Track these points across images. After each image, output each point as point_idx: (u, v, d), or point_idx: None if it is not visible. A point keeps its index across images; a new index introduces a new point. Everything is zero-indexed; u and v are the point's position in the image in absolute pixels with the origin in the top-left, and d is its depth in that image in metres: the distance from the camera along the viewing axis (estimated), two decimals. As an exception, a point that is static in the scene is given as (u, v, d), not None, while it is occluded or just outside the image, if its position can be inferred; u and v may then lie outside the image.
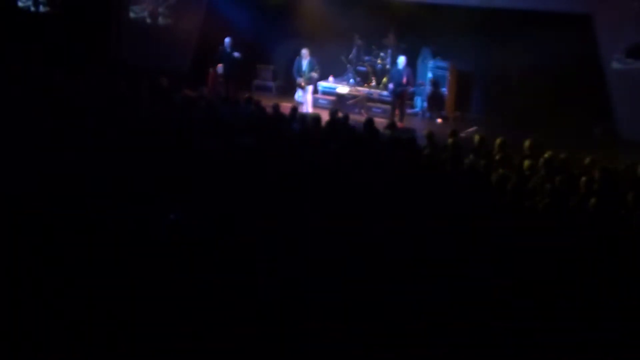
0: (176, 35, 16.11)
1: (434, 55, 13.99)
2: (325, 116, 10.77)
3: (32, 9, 17.39)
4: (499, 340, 4.94)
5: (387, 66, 14.34)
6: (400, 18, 13.73)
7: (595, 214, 6.78)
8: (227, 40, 13.85)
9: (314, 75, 13.40)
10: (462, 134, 11.09)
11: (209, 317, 5.10)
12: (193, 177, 7.43)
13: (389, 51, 14.33)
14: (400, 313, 5.16)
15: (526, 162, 8.35)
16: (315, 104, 13.91)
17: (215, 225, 6.54)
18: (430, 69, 13.81)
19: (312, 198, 6.93)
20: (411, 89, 13.60)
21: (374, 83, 14.38)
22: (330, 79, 14.70)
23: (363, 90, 14.20)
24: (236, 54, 13.71)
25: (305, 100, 13.42)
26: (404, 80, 12.95)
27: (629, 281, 5.61)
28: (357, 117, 12.41)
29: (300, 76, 13.29)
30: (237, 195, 7.02)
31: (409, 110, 13.83)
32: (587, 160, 8.51)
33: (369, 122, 9.71)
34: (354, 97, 14.02)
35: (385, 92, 14.06)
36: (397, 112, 13.22)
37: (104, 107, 10.06)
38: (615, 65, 12.40)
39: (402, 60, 13.11)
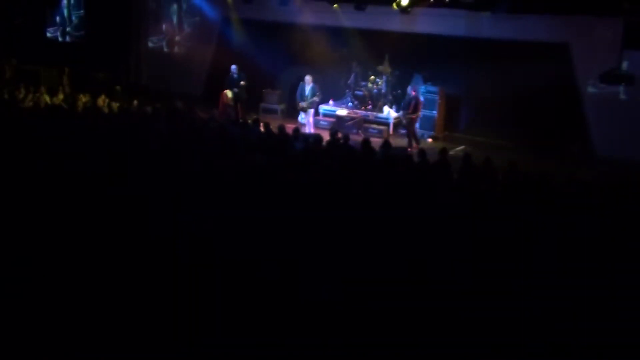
0: (190, 63, 16.26)
1: (425, 81, 14.01)
2: (325, 136, 10.77)
3: (60, 38, 17.51)
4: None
5: (382, 91, 14.32)
6: (394, 47, 13.78)
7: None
8: (233, 67, 13.87)
9: (316, 99, 13.40)
10: (451, 152, 11.03)
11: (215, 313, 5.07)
12: (205, 188, 7.37)
13: (384, 77, 14.34)
14: (398, 311, 5.13)
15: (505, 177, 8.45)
16: (317, 125, 13.91)
17: (222, 228, 6.48)
18: (421, 93, 13.79)
19: (314, 209, 6.88)
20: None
21: (370, 106, 14.35)
22: (331, 102, 14.70)
23: (360, 112, 14.19)
24: (242, 83, 13.75)
25: (308, 121, 13.43)
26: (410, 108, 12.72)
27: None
28: (355, 137, 12.36)
29: (303, 100, 13.27)
30: (245, 204, 6.97)
31: (401, 131, 13.75)
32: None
33: (366, 141, 9.72)
34: (352, 118, 14.00)
35: (381, 114, 14.04)
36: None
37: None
38: (590, 89, 12.51)
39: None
